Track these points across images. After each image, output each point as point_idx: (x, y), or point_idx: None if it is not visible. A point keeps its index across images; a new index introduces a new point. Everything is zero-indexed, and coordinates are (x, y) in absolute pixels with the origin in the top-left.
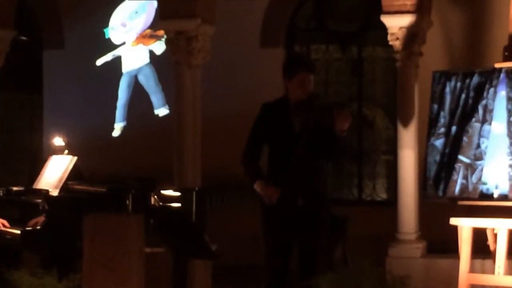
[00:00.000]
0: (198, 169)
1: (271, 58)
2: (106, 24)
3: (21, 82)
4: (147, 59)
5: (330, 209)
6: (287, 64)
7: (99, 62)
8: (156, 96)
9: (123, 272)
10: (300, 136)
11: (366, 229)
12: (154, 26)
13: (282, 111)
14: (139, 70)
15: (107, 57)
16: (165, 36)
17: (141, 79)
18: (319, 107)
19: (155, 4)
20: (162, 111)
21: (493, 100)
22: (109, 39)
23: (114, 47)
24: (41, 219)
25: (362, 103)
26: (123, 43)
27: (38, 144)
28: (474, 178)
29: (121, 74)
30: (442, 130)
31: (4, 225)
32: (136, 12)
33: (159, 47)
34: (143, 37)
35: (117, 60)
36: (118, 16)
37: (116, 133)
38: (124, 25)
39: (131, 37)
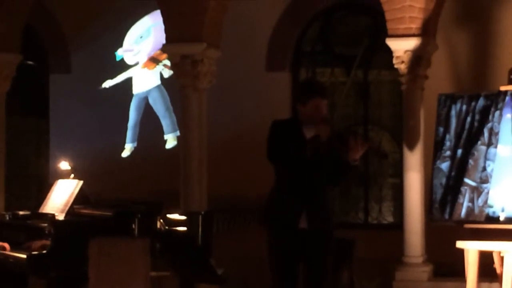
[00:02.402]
0: (204, 192)
1: (277, 82)
2: (112, 48)
3: (27, 107)
4: (156, 82)
5: (335, 232)
6: (301, 89)
7: (108, 84)
8: (165, 121)
9: None
10: (311, 161)
11: (373, 252)
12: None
13: (294, 134)
14: (149, 92)
15: (116, 80)
16: (163, 61)
17: (151, 102)
18: (333, 135)
19: (162, 28)
20: (170, 138)
21: (499, 123)
22: (116, 63)
23: (120, 70)
24: (38, 243)
25: (368, 126)
26: (137, 63)
27: (44, 168)
28: (480, 201)
29: (128, 96)
30: (448, 153)
31: (5, 248)
32: (141, 37)
33: (167, 70)
34: (149, 60)
35: (126, 82)
36: (126, 42)
37: (125, 153)
38: (129, 50)
39: (142, 58)
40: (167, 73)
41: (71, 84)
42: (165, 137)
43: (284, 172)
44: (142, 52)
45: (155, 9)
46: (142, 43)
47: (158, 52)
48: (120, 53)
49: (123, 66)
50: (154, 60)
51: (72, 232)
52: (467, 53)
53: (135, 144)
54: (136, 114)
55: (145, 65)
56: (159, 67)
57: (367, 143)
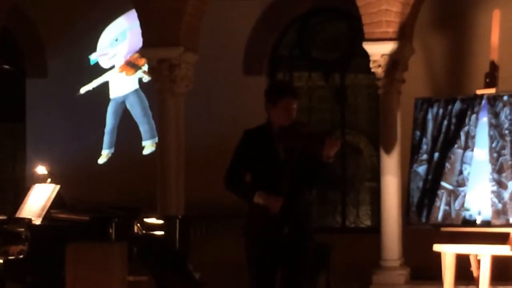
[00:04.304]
0: (181, 197)
1: (254, 86)
2: (88, 52)
3: (3, 111)
4: (134, 86)
5: (314, 237)
6: (270, 91)
7: (83, 90)
8: (143, 127)
9: None
10: (285, 163)
11: (350, 256)
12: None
13: (265, 138)
14: (126, 97)
15: (91, 85)
16: (143, 67)
17: (128, 106)
18: (306, 134)
19: (139, 30)
20: (148, 145)
21: (475, 126)
22: (92, 67)
23: (97, 74)
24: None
25: (346, 130)
26: (112, 67)
27: (21, 173)
28: (457, 205)
29: (107, 100)
30: (425, 156)
31: None
32: (116, 40)
33: (146, 76)
34: (127, 64)
35: (103, 87)
36: (100, 45)
37: (102, 160)
38: (104, 54)
39: (119, 61)
40: (147, 79)
41: (48, 88)
42: (143, 143)
43: (260, 179)
44: (118, 55)
45: (131, 9)
46: (118, 46)
47: (136, 55)
48: (94, 57)
49: (100, 70)
50: (133, 66)
51: (49, 236)
52: (444, 57)
53: (112, 150)
54: (113, 119)
55: (123, 70)
56: (139, 73)
57: (340, 140)
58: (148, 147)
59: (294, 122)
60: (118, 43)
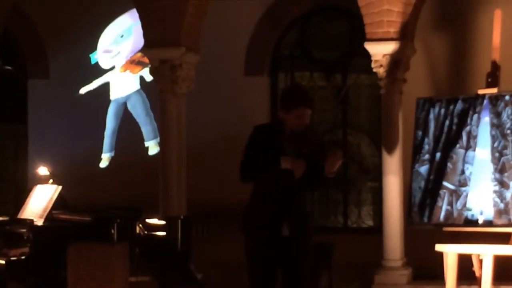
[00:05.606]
0: (183, 197)
1: (255, 86)
2: (90, 53)
3: (5, 112)
4: (136, 86)
5: (313, 237)
6: (286, 97)
7: (83, 90)
8: (145, 128)
9: None
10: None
11: (352, 256)
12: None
13: (275, 138)
14: (128, 97)
15: (92, 86)
16: (149, 65)
17: (130, 107)
18: (314, 142)
19: None
20: (151, 145)
21: (477, 126)
22: (94, 67)
23: (99, 74)
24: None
25: (347, 130)
26: (113, 67)
27: (22, 174)
28: (459, 204)
29: (109, 101)
30: (427, 156)
31: None
32: (122, 36)
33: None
34: (131, 63)
35: (105, 87)
36: (102, 43)
37: (103, 164)
38: (108, 51)
39: (120, 62)
40: (150, 77)
41: (50, 89)
42: (146, 144)
43: (263, 179)
44: (120, 54)
45: (133, 8)
46: (123, 43)
47: (139, 54)
48: (98, 55)
49: (102, 70)
50: (139, 63)
51: (51, 237)
52: (445, 57)
53: (113, 154)
54: (114, 121)
55: (127, 68)
56: (145, 70)
57: (343, 155)
58: (153, 147)
59: (305, 129)
60: (124, 39)
